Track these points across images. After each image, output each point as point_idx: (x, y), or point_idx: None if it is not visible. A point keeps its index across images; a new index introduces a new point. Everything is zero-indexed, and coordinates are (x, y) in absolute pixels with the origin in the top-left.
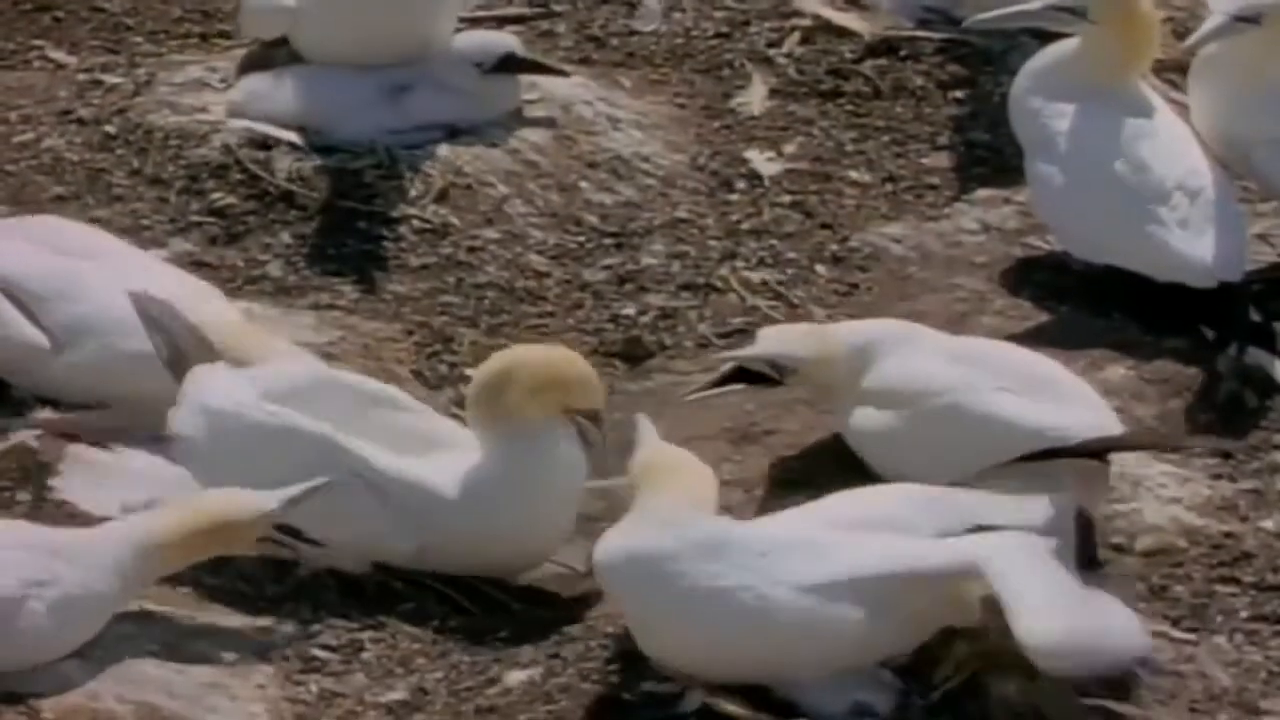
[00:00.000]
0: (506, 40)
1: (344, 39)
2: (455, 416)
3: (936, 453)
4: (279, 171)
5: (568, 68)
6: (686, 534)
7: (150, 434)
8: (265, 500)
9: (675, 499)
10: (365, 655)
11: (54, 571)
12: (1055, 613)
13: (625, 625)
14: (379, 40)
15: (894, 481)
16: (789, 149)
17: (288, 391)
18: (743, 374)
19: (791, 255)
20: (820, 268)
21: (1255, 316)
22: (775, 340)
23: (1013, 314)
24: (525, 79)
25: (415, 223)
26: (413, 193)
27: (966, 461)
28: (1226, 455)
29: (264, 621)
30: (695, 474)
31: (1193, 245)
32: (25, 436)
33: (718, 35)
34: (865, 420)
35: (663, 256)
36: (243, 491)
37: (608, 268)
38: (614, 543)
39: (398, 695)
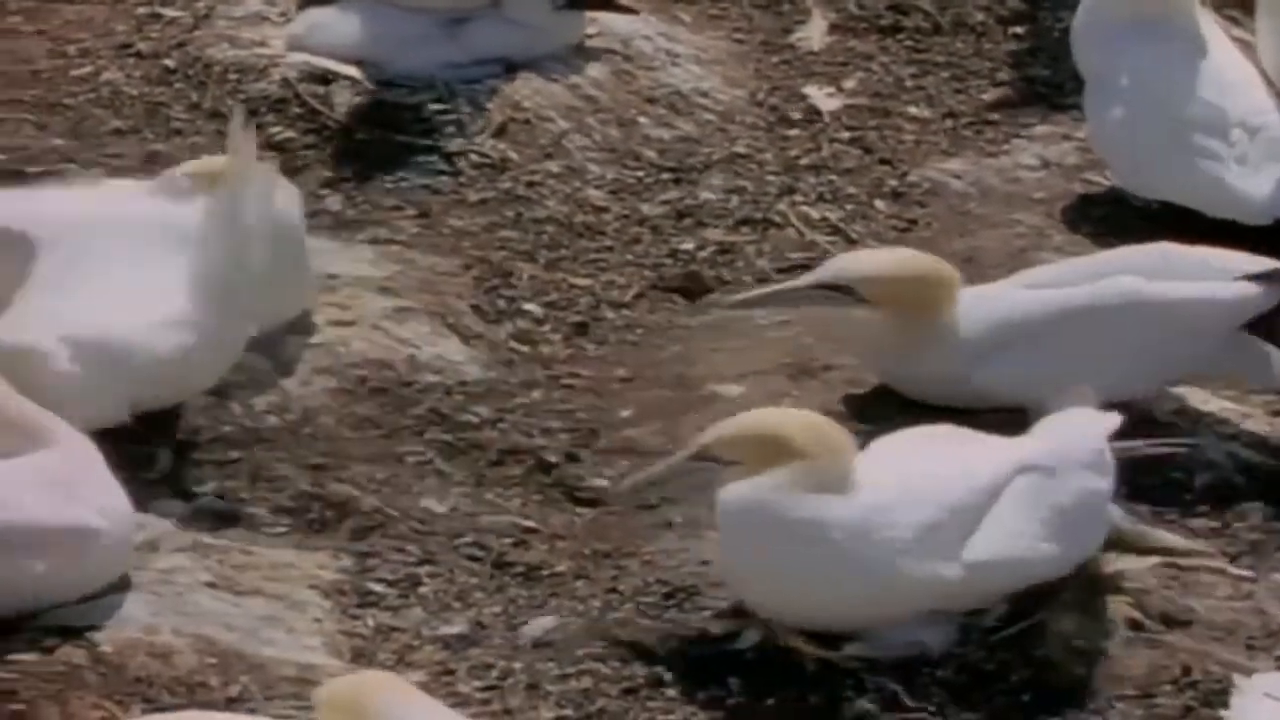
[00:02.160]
0: None
1: None
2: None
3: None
4: (338, 106)
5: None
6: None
7: None
8: None
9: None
10: (422, 589)
11: None
12: None
13: (686, 562)
14: None
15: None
16: (848, 84)
17: None
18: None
19: (850, 191)
20: (879, 203)
21: None
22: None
23: (1071, 250)
24: (587, 14)
25: (474, 157)
26: (471, 127)
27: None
28: None
29: (320, 556)
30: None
31: (1250, 182)
32: None
33: None
34: None
35: (721, 191)
36: None
37: (666, 202)
38: (740, 487)
39: (455, 629)
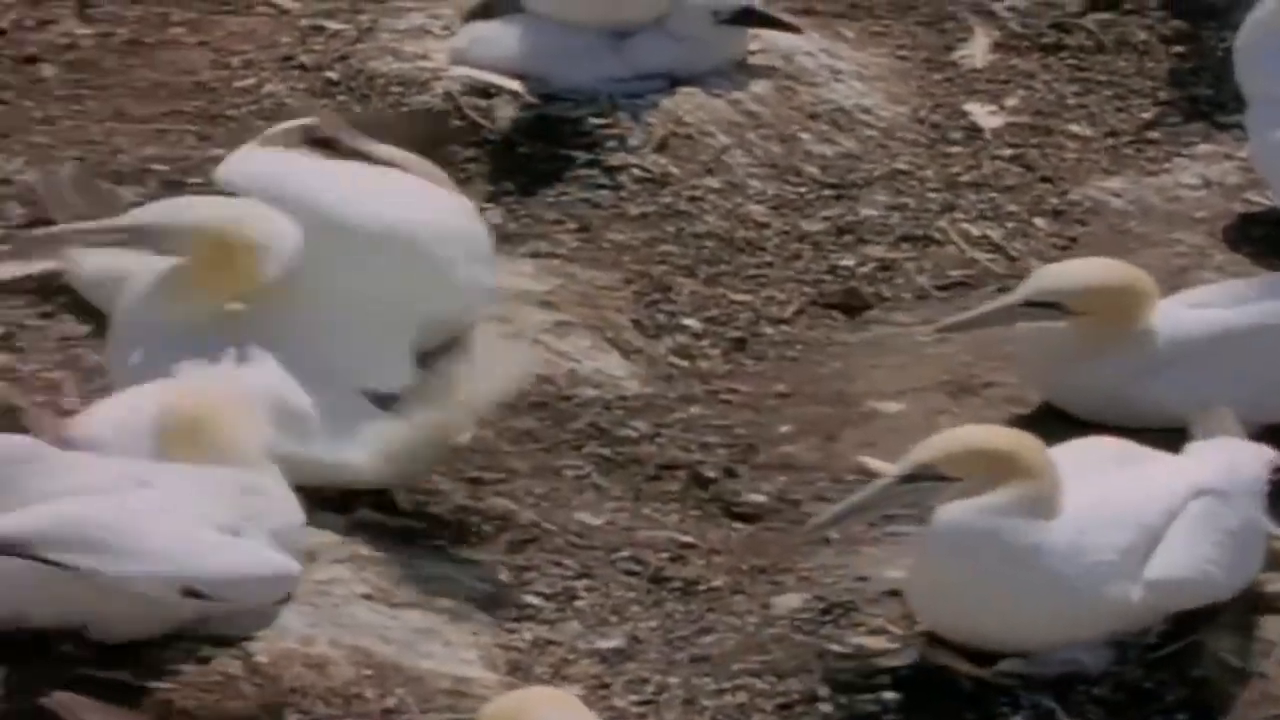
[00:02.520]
0: None
1: (578, 1)
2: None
3: None
4: (500, 119)
5: (790, 18)
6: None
7: None
8: None
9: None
10: (579, 603)
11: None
12: None
13: (842, 579)
14: (614, 3)
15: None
16: (1010, 102)
17: None
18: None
19: (1011, 208)
20: (1039, 221)
21: None
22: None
23: (1232, 270)
24: (750, 30)
25: (635, 171)
26: (633, 142)
27: None
28: None
29: (478, 569)
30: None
31: None
32: None
33: None
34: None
35: (882, 208)
36: None
37: (827, 218)
38: (957, 510)
39: (612, 644)
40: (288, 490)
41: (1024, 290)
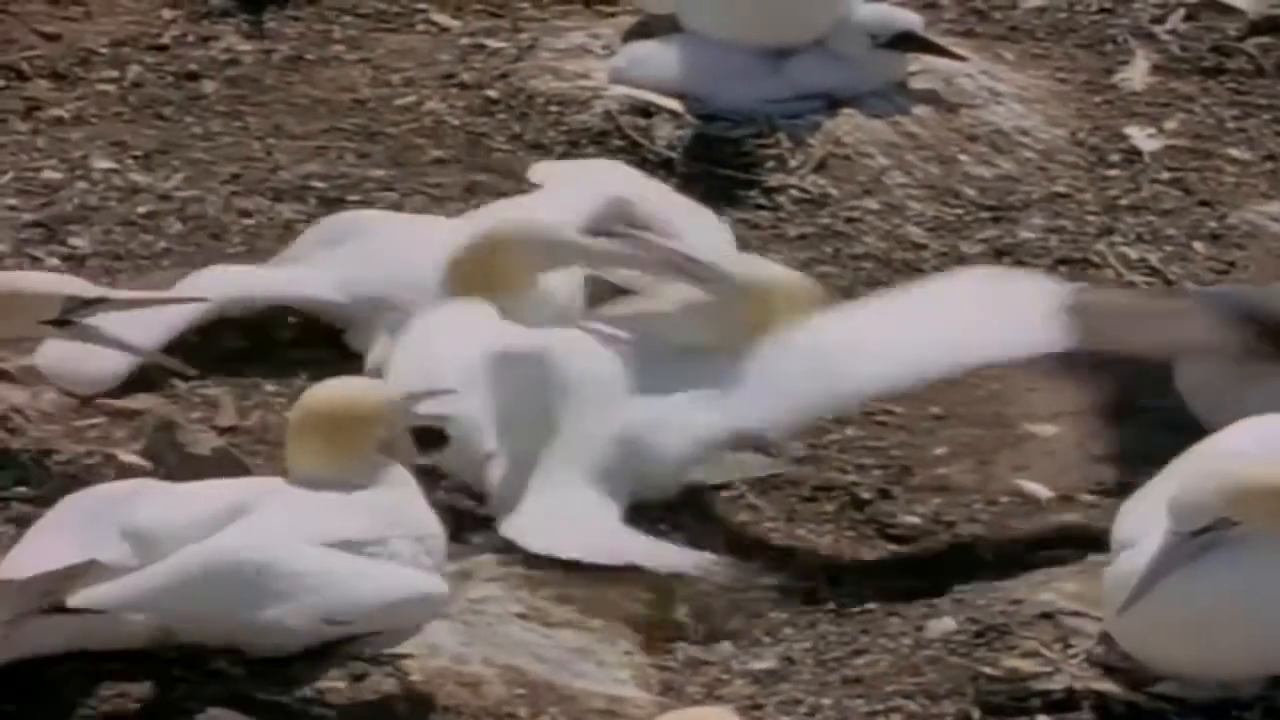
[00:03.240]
0: (909, 18)
1: (736, 20)
2: None
3: None
4: (659, 139)
5: (949, 41)
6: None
7: None
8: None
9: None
10: (731, 623)
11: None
12: None
13: (996, 601)
14: (773, 23)
15: None
16: (1170, 125)
17: None
18: None
19: (1170, 232)
20: (1198, 245)
21: None
22: None
23: None
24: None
25: (794, 192)
26: (792, 162)
27: None
28: None
29: (632, 588)
30: None
31: None
32: None
33: (1101, 10)
34: None
35: (1040, 230)
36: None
37: (984, 241)
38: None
39: (765, 664)
40: (424, 505)
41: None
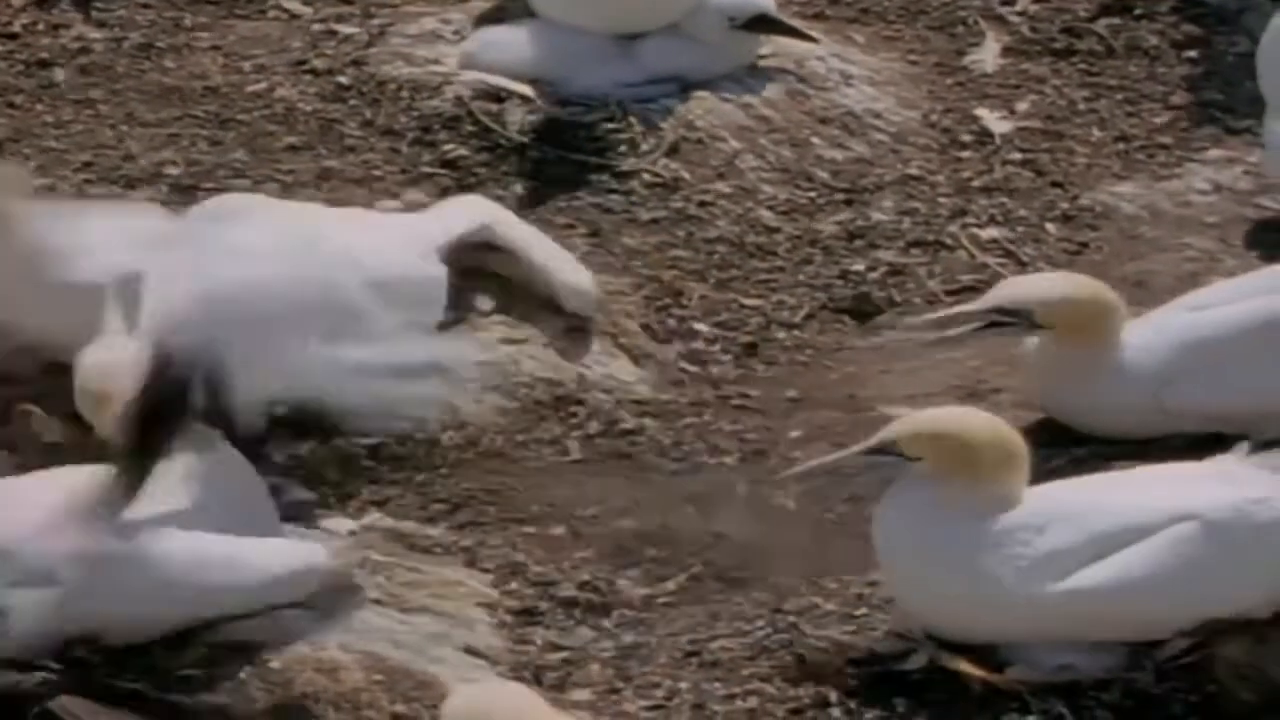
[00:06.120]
0: (764, 0)
1: (589, 8)
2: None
3: None
4: (511, 124)
5: (801, 23)
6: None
7: None
8: None
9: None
10: (590, 609)
11: None
12: None
13: (849, 584)
14: (627, 11)
15: None
16: (1021, 107)
17: None
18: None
19: (1022, 213)
20: (1050, 226)
21: None
22: None
23: (1243, 275)
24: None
25: (646, 176)
26: (644, 146)
27: None
28: None
29: (485, 574)
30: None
31: None
32: None
33: None
34: None
35: (893, 213)
36: None
37: (838, 223)
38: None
39: (623, 648)
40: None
41: (992, 296)
